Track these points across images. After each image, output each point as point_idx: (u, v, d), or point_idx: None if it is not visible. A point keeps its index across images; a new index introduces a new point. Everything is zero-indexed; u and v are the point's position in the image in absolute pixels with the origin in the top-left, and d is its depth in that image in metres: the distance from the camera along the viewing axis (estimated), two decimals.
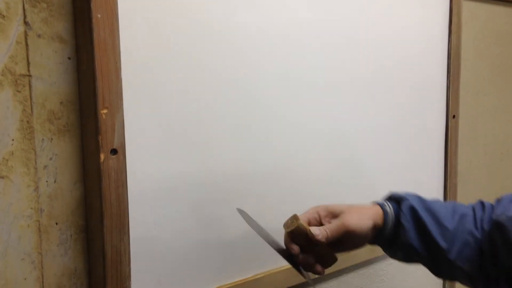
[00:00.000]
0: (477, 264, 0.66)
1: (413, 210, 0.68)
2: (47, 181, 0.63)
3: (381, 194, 1.01)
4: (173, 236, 0.72)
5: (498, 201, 0.68)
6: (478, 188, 1.34)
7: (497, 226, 0.63)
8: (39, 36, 0.61)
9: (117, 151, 0.64)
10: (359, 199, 0.97)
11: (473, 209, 0.69)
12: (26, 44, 0.60)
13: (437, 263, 0.70)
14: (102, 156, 0.62)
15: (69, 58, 0.63)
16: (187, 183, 0.73)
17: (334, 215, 0.69)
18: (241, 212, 0.70)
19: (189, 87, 0.72)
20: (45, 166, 0.62)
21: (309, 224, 0.68)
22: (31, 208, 0.62)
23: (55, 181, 0.63)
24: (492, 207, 0.68)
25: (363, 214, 0.68)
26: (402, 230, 0.68)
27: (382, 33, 0.98)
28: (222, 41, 0.74)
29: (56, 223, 0.64)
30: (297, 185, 0.87)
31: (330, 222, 0.68)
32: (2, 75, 0.58)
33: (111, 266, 0.65)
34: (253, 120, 0.79)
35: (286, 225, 0.67)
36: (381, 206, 0.70)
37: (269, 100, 0.81)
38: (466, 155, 1.29)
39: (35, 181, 0.62)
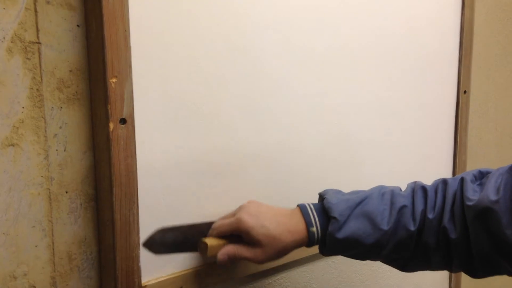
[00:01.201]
0: (410, 253, 0.66)
1: (341, 229, 0.66)
2: (57, 150, 0.63)
3: (390, 170, 1.01)
4: (181, 207, 0.72)
5: (464, 180, 0.65)
6: (488, 165, 1.33)
7: (473, 212, 0.60)
8: (48, 2, 0.60)
9: (126, 121, 0.64)
10: (369, 174, 0.97)
11: (413, 198, 0.67)
12: (35, 11, 0.59)
13: (367, 257, 0.70)
14: (111, 125, 0.62)
15: (78, 26, 0.63)
16: (196, 154, 0.73)
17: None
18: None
19: (199, 57, 0.71)
20: (55, 135, 0.62)
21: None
22: (42, 176, 0.62)
23: (65, 150, 0.63)
24: (462, 185, 0.64)
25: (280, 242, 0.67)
26: (334, 251, 0.69)
27: (392, 4, 0.96)
28: (233, 7, 0.73)
29: (66, 192, 0.64)
30: (302, 161, 0.87)
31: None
32: (11, 42, 0.58)
33: (120, 235, 0.65)
34: (259, 92, 0.79)
35: (199, 249, 0.71)
36: (307, 228, 0.68)
37: (275, 71, 0.80)
38: (476, 131, 1.28)
39: (45, 149, 0.62)
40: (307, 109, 0.85)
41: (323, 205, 0.69)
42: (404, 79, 1.01)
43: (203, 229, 0.73)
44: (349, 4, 0.88)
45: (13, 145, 0.59)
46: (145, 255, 0.68)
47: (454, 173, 1.17)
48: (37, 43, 0.60)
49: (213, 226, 0.72)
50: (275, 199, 0.83)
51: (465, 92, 1.15)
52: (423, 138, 1.09)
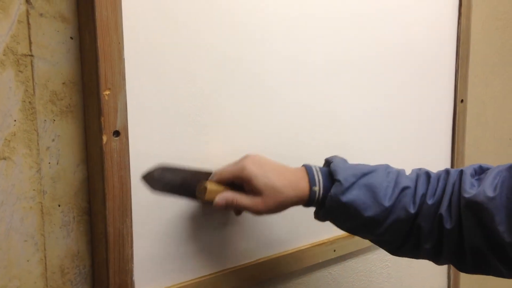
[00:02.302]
0: (402, 235, 0.66)
1: (344, 194, 0.65)
2: (49, 163, 0.62)
3: None
4: (176, 218, 0.72)
5: (463, 173, 0.65)
6: None
7: (469, 205, 0.60)
8: (41, 15, 0.60)
9: (120, 133, 0.63)
10: None
11: (416, 181, 0.67)
12: (28, 23, 0.59)
13: (361, 232, 0.70)
14: (104, 138, 0.62)
15: (71, 38, 0.62)
16: (191, 165, 0.72)
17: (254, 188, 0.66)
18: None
19: (193, 68, 0.71)
20: (48, 148, 0.62)
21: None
22: (34, 189, 0.61)
23: (57, 163, 0.63)
24: (460, 178, 0.64)
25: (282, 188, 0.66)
26: (330, 216, 0.68)
27: (389, 14, 0.96)
28: (228, 18, 0.73)
29: (59, 205, 0.63)
30: None
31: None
32: (4, 55, 0.57)
33: (114, 248, 0.64)
34: (255, 102, 0.78)
35: (198, 191, 0.69)
36: (310, 186, 0.67)
37: (273, 81, 0.80)
38: (473, 140, 1.27)
39: (37, 162, 0.61)
40: (304, 118, 0.85)
41: (329, 168, 0.68)
42: (401, 89, 1.01)
43: (204, 177, 0.70)
44: (346, 14, 0.88)
45: (5, 159, 0.58)
46: (138, 268, 0.68)
47: None
48: (29, 55, 0.59)
49: (215, 171, 0.70)
50: None
51: (462, 101, 1.15)
52: (421, 147, 1.08)
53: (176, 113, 0.70)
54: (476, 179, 0.63)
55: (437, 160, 1.13)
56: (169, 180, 0.68)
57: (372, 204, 0.65)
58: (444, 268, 1.22)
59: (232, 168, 0.68)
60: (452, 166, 1.16)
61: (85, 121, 0.64)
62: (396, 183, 0.66)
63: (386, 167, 0.69)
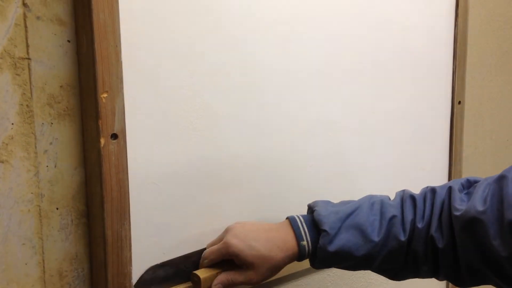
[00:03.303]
0: (400, 263, 0.66)
1: (332, 242, 0.65)
2: (47, 166, 0.62)
3: (385, 181, 1.01)
4: (173, 222, 0.72)
5: (452, 190, 0.64)
6: (483, 175, 1.33)
7: (461, 222, 0.59)
8: (38, 18, 0.60)
9: (118, 136, 0.63)
10: (363, 185, 0.97)
11: (402, 208, 0.67)
12: (25, 26, 0.59)
13: (359, 268, 0.70)
14: (102, 141, 0.62)
15: (68, 41, 0.62)
16: (188, 169, 0.72)
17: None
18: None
19: (191, 71, 0.71)
20: (45, 151, 0.62)
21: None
22: (32, 193, 0.61)
23: (55, 166, 0.63)
24: (449, 195, 0.64)
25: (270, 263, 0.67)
26: (325, 264, 0.69)
27: (386, 15, 0.96)
28: (227, 23, 0.73)
29: (57, 208, 0.63)
30: (295, 175, 0.86)
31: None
32: (1, 58, 0.57)
33: (112, 251, 0.64)
34: (254, 106, 0.78)
35: (192, 282, 0.71)
36: (298, 242, 0.68)
37: (270, 85, 0.80)
38: (471, 141, 1.27)
39: (35, 165, 0.61)
40: (301, 121, 0.85)
41: (313, 218, 0.69)
42: (398, 90, 1.01)
43: (194, 258, 0.73)
44: (343, 16, 0.88)
45: (2, 162, 0.58)
46: (137, 271, 0.68)
47: None
48: (27, 58, 0.59)
49: (203, 255, 0.72)
50: (270, 211, 0.82)
51: (459, 102, 1.15)
52: (418, 149, 1.08)
53: (173, 116, 0.70)
54: (465, 193, 0.63)
55: (434, 161, 1.13)
56: (163, 276, 0.71)
57: (362, 243, 0.65)
58: None
59: (217, 248, 0.69)
60: (450, 167, 1.16)
61: (82, 124, 0.64)
62: (382, 214, 0.66)
63: (369, 199, 0.69)
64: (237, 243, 0.67)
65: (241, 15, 0.75)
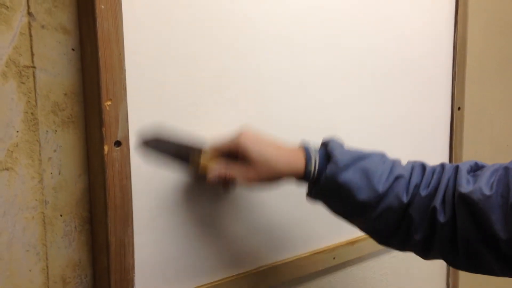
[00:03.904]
0: (393, 224, 0.66)
1: (338, 174, 0.65)
2: (51, 173, 0.62)
3: None
4: (176, 228, 0.72)
5: (459, 169, 0.65)
6: None
7: (465, 201, 0.60)
8: (43, 27, 0.60)
9: (121, 143, 0.64)
10: None
11: (411, 171, 0.67)
12: (30, 35, 0.60)
13: (352, 216, 0.70)
14: (106, 148, 0.62)
15: (73, 49, 0.63)
16: (190, 175, 0.73)
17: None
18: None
19: (193, 79, 0.71)
20: (50, 158, 0.62)
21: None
22: (36, 199, 0.62)
23: (59, 173, 0.63)
24: (456, 173, 0.64)
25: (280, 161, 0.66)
26: (323, 195, 0.68)
27: (386, 22, 0.97)
28: (228, 30, 0.74)
29: (61, 215, 0.64)
30: None
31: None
32: (6, 66, 0.58)
33: (115, 258, 0.65)
34: (256, 113, 0.79)
35: (191, 163, 0.68)
36: (306, 163, 0.67)
37: (271, 91, 0.81)
38: (471, 147, 1.28)
39: (39, 172, 0.62)
40: (300, 126, 0.85)
41: (326, 149, 0.68)
42: (398, 96, 1.02)
43: (199, 148, 0.70)
44: (343, 22, 0.89)
45: (7, 169, 0.59)
46: (140, 277, 0.68)
47: None
48: (31, 67, 0.60)
49: (210, 143, 0.70)
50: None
51: (459, 108, 1.16)
52: (418, 155, 1.09)
53: (176, 123, 0.70)
54: (472, 176, 0.64)
55: None
56: (163, 150, 0.67)
57: (365, 187, 0.65)
58: (443, 276, 1.22)
59: (227, 140, 0.68)
60: None
61: (86, 131, 0.65)
62: (391, 170, 0.67)
63: (382, 155, 0.69)
64: (249, 138, 0.66)
65: (243, 22, 0.75)
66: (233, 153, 0.67)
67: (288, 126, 0.83)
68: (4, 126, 0.58)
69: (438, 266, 1.20)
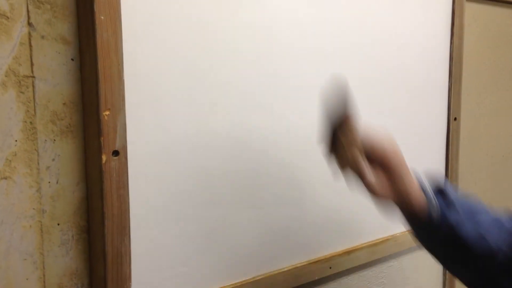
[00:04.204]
0: (502, 278, 0.64)
1: (461, 225, 0.63)
2: (49, 182, 0.63)
3: None
4: (173, 237, 0.72)
5: None
6: (479, 191, 1.34)
7: None
8: (42, 37, 0.61)
9: (119, 153, 0.64)
10: (356, 199, 0.97)
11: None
12: (30, 45, 0.60)
13: (454, 263, 0.67)
14: (104, 158, 0.63)
15: (72, 59, 0.63)
16: (188, 185, 0.73)
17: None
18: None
19: (192, 89, 0.72)
20: (48, 167, 0.62)
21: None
22: (33, 208, 0.62)
23: (57, 182, 0.63)
24: None
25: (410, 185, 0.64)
26: (436, 241, 0.66)
27: (383, 34, 0.98)
28: (227, 42, 0.75)
29: (58, 224, 0.64)
30: (299, 185, 0.87)
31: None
32: (6, 76, 0.58)
33: (112, 267, 0.65)
34: (253, 123, 0.79)
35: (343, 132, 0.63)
36: (428, 201, 0.64)
37: (268, 101, 0.81)
38: (467, 157, 1.29)
39: (37, 181, 0.62)
40: (299, 137, 0.86)
41: (443, 194, 0.66)
42: (395, 107, 1.02)
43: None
44: (339, 35, 0.90)
45: (5, 178, 0.59)
46: (137, 287, 0.68)
47: None
48: (31, 77, 0.60)
49: (361, 135, 0.65)
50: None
51: (455, 119, 1.16)
52: (415, 165, 1.09)
53: (174, 133, 0.71)
54: None
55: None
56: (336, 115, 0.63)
57: (480, 243, 0.63)
58: (439, 285, 1.22)
59: (371, 141, 0.65)
60: None
61: (85, 141, 0.65)
62: (500, 226, 0.65)
63: (487, 208, 0.67)
64: (396, 153, 0.66)
65: (239, 35, 0.76)
66: (374, 154, 0.65)
67: (285, 134, 0.84)
68: (2, 135, 0.59)
69: (435, 275, 1.21)
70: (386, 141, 0.66)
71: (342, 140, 0.62)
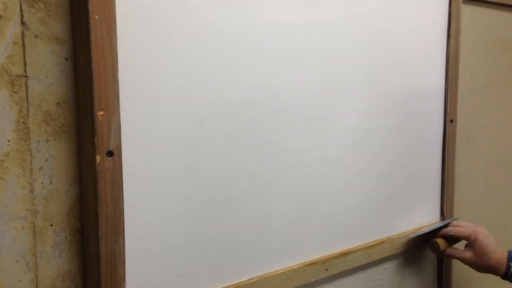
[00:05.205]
0: None
1: None
2: (42, 183, 0.62)
3: (377, 198, 1.01)
4: (168, 239, 0.72)
5: None
6: (475, 193, 1.34)
7: None
8: (36, 36, 0.60)
9: (113, 153, 0.64)
10: (352, 201, 0.97)
11: None
12: (23, 45, 0.60)
13: None
14: (98, 158, 0.62)
15: (66, 59, 0.63)
16: (184, 186, 0.72)
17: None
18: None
19: (187, 89, 0.71)
20: (41, 168, 0.62)
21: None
22: (26, 209, 0.61)
23: (50, 183, 0.63)
24: None
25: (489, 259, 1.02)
26: None
27: (379, 35, 0.98)
28: (221, 42, 0.74)
29: (51, 225, 0.63)
30: (296, 188, 0.87)
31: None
32: None
33: (106, 268, 0.64)
34: (249, 125, 0.79)
35: (431, 246, 1.09)
36: (508, 263, 1.00)
37: (266, 101, 0.81)
38: (463, 159, 1.28)
39: (30, 182, 0.61)
40: (298, 139, 0.86)
41: None
42: (391, 109, 1.02)
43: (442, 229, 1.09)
44: (338, 40, 0.90)
45: None
46: None
47: (442, 201, 1.17)
48: (24, 76, 0.60)
49: (450, 228, 1.08)
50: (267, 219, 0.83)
51: (451, 121, 1.16)
52: (411, 167, 1.09)
53: (169, 134, 0.70)
54: None
55: (427, 180, 1.14)
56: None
57: None
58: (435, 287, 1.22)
59: (466, 230, 1.05)
60: (442, 185, 1.17)
61: (78, 141, 0.65)
62: None
63: None
64: (482, 237, 1.03)
65: (239, 38, 0.76)
66: (465, 238, 1.06)
67: (282, 135, 0.84)
68: None
69: (430, 278, 1.20)
70: (476, 232, 1.05)
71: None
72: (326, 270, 0.93)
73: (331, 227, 0.94)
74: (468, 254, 1.03)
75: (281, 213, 0.85)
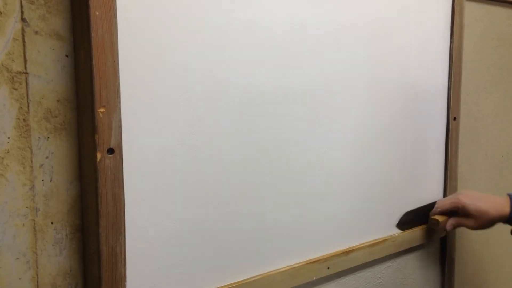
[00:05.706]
0: None
1: None
2: (43, 180, 0.62)
3: (380, 195, 1.01)
4: (169, 237, 0.71)
5: None
6: (478, 190, 1.33)
7: None
8: (36, 33, 0.60)
9: (114, 151, 0.63)
10: (354, 199, 0.97)
11: None
12: (23, 41, 0.59)
13: None
14: (98, 155, 0.62)
15: (66, 56, 0.62)
16: (184, 184, 0.72)
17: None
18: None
19: (188, 86, 0.71)
20: (41, 165, 0.62)
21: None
22: (27, 207, 0.61)
23: (51, 180, 0.62)
24: None
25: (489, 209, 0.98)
26: None
27: (382, 33, 0.97)
28: (222, 39, 0.74)
29: (52, 222, 0.63)
30: (297, 188, 0.86)
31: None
32: None
33: (107, 266, 0.64)
34: (253, 120, 0.79)
35: (430, 224, 1.08)
36: (510, 209, 0.96)
37: (265, 100, 0.80)
38: (466, 157, 1.28)
39: (30, 179, 0.61)
40: (299, 138, 0.85)
41: None
42: (394, 107, 1.02)
43: (428, 208, 1.09)
44: (341, 37, 0.89)
45: None
46: (132, 286, 0.67)
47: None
48: (24, 73, 0.59)
49: (436, 205, 1.07)
50: (267, 222, 0.82)
51: (454, 118, 1.16)
52: (414, 165, 1.09)
53: (170, 131, 0.70)
54: None
55: (430, 177, 1.13)
56: (410, 219, 1.07)
57: None
58: (437, 285, 1.22)
59: (450, 201, 1.03)
60: (445, 183, 1.16)
61: (79, 138, 0.64)
62: None
63: None
64: (465, 199, 1.00)
65: (242, 34, 0.75)
66: (455, 209, 1.02)
67: (282, 135, 0.83)
68: None
69: (433, 276, 1.20)
70: (457, 196, 1.03)
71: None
72: (328, 268, 0.92)
73: (333, 225, 0.93)
74: (468, 220, 1.01)
75: (282, 211, 0.85)
